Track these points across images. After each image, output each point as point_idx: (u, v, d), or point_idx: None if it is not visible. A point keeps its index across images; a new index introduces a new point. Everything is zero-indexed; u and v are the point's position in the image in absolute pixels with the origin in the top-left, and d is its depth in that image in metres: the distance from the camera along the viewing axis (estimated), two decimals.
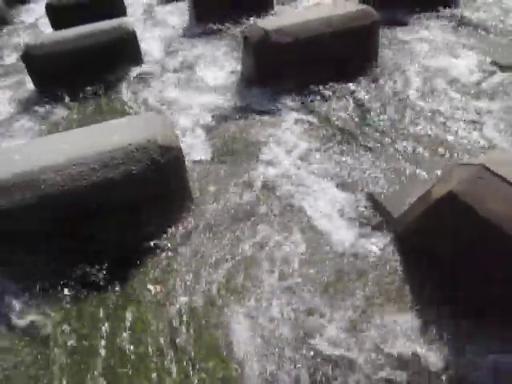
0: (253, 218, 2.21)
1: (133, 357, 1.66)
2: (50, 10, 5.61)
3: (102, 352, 1.69)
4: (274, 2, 5.47)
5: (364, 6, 3.51)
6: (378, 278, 1.83)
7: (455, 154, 2.54)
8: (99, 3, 5.62)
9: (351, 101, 3.18)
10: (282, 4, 5.65)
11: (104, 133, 2.08)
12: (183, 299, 1.84)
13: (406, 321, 1.64)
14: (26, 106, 3.79)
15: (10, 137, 3.31)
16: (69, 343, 1.74)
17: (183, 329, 1.73)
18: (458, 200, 1.65)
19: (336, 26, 3.31)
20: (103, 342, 1.72)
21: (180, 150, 2.08)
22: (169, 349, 1.66)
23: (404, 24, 4.45)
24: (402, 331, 1.61)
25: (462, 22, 4.37)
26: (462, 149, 2.58)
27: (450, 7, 4.70)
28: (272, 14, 5.23)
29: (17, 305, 1.91)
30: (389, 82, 3.37)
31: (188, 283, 1.91)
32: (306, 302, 1.77)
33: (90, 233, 2.02)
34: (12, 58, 5.16)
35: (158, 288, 1.89)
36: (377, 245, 1.97)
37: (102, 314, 1.84)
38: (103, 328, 1.78)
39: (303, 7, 5.50)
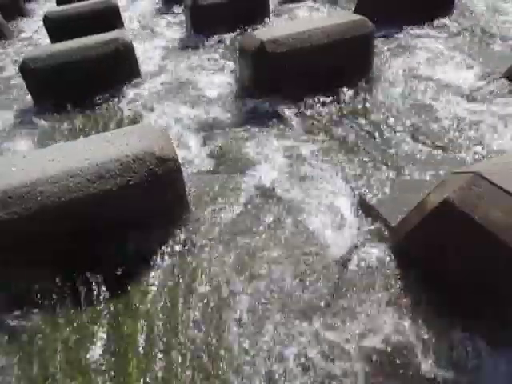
0: (250, 230, 2.21)
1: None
2: (48, 22, 5.66)
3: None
4: (270, 13, 5.53)
5: (359, 17, 3.54)
6: (374, 288, 1.83)
7: (451, 161, 2.55)
8: (97, 15, 5.69)
9: (346, 110, 3.20)
10: (278, 15, 5.72)
11: (101, 144, 2.09)
12: (179, 312, 1.84)
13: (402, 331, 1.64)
14: (23, 118, 3.80)
15: (6, 149, 3.31)
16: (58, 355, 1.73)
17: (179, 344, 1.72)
18: (454, 208, 1.65)
19: (331, 36, 3.34)
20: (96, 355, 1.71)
21: (177, 161, 2.09)
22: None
23: (399, 34, 4.50)
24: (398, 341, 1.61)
25: (457, 32, 4.42)
26: (458, 156, 2.60)
27: (445, 17, 4.76)
28: (268, 25, 5.29)
29: (9, 318, 1.90)
30: (384, 92, 3.39)
31: (182, 299, 1.90)
32: (298, 316, 1.76)
33: (85, 244, 2.01)
34: (10, 70, 5.18)
35: None
36: (373, 254, 1.97)
37: (95, 327, 1.83)
38: (97, 341, 1.77)
39: (299, 18, 5.56)
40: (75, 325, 1.85)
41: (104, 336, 1.78)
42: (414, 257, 1.90)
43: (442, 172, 2.43)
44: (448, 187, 1.76)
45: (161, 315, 1.83)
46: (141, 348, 1.71)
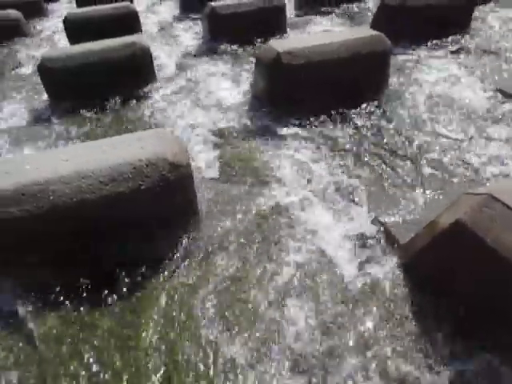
0: (258, 240, 2.21)
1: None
2: (67, 23, 5.76)
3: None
4: (287, 25, 5.58)
5: (376, 33, 3.56)
6: (382, 307, 1.81)
7: (464, 181, 2.54)
8: (116, 19, 5.79)
9: (359, 125, 3.20)
10: (294, 27, 5.76)
11: (115, 147, 2.10)
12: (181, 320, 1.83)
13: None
14: (39, 117, 3.85)
15: (21, 146, 3.35)
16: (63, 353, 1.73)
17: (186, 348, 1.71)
18: (465, 230, 1.64)
19: (348, 50, 3.35)
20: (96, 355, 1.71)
21: (189, 167, 2.10)
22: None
23: (414, 51, 4.52)
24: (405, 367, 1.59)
25: (473, 51, 4.43)
26: (470, 175, 2.58)
27: (461, 35, 4.78)
28: (284, 37, 5.33)
29: (17, 314, 1.91)
30: (398, 108, 3.40)
31: (188, 305, 1.90)
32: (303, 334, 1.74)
33: (95, 245, 2.02)
34: (29, 69, 5.26)
35: None
36: (382, 272, 1.95)
37: (102, 328, 1.83)
38: (102, 340, 1.77)
39: (315, 31, 5.59)
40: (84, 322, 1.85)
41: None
42: (424, 276, 1.88)
43: (454, 192, 2.41)
44: (460, 208, 1.74)
45: (163, 323, 1.82)
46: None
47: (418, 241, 1.96)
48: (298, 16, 6.38)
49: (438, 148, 2.88)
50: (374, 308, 1.80)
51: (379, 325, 1.73)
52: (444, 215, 1.85)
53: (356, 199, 2.46)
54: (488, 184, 2.47)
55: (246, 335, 1.73)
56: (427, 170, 2.67)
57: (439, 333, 1.66)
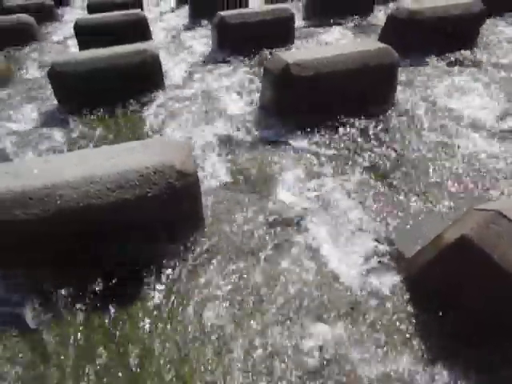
0: (262, 251, 2.20)
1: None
2: (78, 29, 5.83)
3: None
4: (295, 36, 5.62)
5: (384, 45, 3.58)
6: (385, 320, 1.80)
7: (470, 197, 2.53)
8: (126, 26, 5.85)
9: (366, 137, 3.21)
10: (303, 38, 5.80)
11: (123, 154, 2.12)
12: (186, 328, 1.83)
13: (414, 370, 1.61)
14: (48, 121, 3.88)
15: (30, 150, 3.37)
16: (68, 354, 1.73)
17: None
18: (472, 245, 1.64)
19: (356, 62, 3.37)
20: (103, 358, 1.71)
21: (196, 175, 2.11)
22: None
23: (422, 64, 4.53)
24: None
25: (480, 65, 4.44)
26: (477, 192, 2.57)
27: (468, 49, 4.79)
28: (293, 48, 5.37)
29: (21, 315, 1.92)
30: (405, 121, 3.40)
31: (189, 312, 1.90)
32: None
33: (100, 251, 2.03)
34: (39, 73, 5.31)
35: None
36: (386, 285, 1.94)
37: (105, 331, 1.83)
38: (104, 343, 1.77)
39: (324, 43, 5.63)
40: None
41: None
42: (429, 290, 1.87)
43: (460, 208, 2.41)
44: (467, 224, 1.74)
45: (162, 330, 1.82)
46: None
47: (424, 255, 1.95)
48: (306, 27, 6.42)
49: (443, 162, 2.87)
50: (378, 322, 1.79)
51: (383, 340, 1.72)
52: (450, 230, 1.84)
53: (361, 211, 2.45)
54: (495, 200, 2.46)
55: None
56: (433, 184, 2.67)
57: (445, 348, 1.65)
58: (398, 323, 1.78)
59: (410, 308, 1.84)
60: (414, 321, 1.78)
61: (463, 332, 1.67)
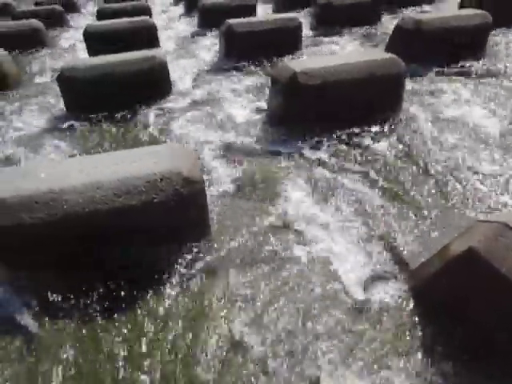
0: (267, 261, 2.19)
1: None
2: (87, 35, 5.90)
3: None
4: (302, 44, 5.64)
5: (391, 55, 3.58)
6: (389, 331, 1.78)
7: (476, 208, 2.51)
8: (134, 33, 5.92)
9: (372, 146, 3.20)
10: (310, 47, 5.82)
11: (129, 160, 2.12)
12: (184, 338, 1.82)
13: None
14: (56, 126, 3.91)
15: (37, 154, 3.40)
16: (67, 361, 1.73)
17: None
18: (478, 257, 1.62)
19: (363, 72, 3.37)
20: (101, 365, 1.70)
21: (203, 183, 2.11)
22: None
23: (428, 74, 4.54)
24: None
25: (486, 77, 4.42)
26: (484, 203, 2.56)
27: (475, 60, 4.79)
28: (300, 57, 5.39)
29: (23, 319, 1.92)
30: (411, 132, 3.39)
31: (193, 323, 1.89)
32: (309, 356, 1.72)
33: (105, 256, 2.03)
34: (47, 78, 5.36)
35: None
36: (391, 296, 1.93)
37: (107, 334, 1.83)
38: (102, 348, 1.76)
39: (331, 52, 5.65)
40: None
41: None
42: (435, 302, 1.85)
43: (464, 218, 2.39)
44: (473, 236, 1.72)
45: (166, 337, 1.82)
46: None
47: (430, 266, 1.93)
48: (314, 36, 6.45)
49: (449, 173, 2.85)
50: (383, 334, 1.77)
51: (387, 352, 1.70)
52: (456, 242, 1.83)
53: (367, 221, 2.44)
54: (501, 212, 2.44)
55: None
56: (438, 195, 2.65)
57: (452, 361, 1.63)
58: (402, 335, 1.76)
59: (415, 319, 1.82)
60: (419, 333, 1.76)
61: (470, 345, 1.65)
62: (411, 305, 1.89)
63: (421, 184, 2.76)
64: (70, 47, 6.94)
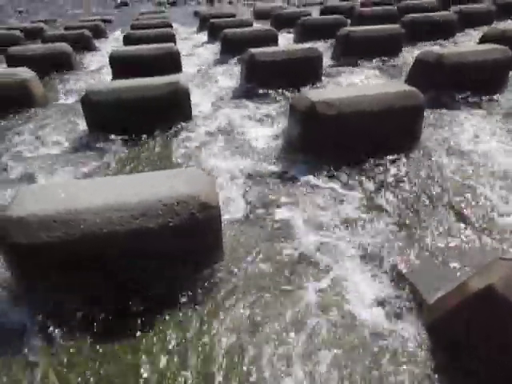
0: (280, 288, 2.18)
1: None
2: (113, 59, 6.08)
3: None
4: (322, 75, 5.71)
5: (410, 88, 3.60)
6: (405, 369, 1.73)
7: (496, 244, 2.45)
8: (158, 59, 6.09)
9: (388, 178, 3.18)
10: (329, 77, 5.89)
11: (148, 183, 2.15)
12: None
13: None
14: (78, 147, 3.99)
15: (57, 174, 3.46)
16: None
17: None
18: (499, 297, 1.57)
19: (382, 104, 3.39)
20: None
21: (219, 208, 2.11)
22: None
23: (448, 107, 4.53)
24: None
25: (507, 111, 4.40)
26: (502, 239, 2.50)
27: (496, 93, 4.78)
28: (319, 87, 5.45)
29: (35, 337, 1.93)
30: (429, 163, 3.37)
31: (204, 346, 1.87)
32: None
33: (120, 277, 2.04)
34: (72, 100, 5.52)
35: None
36: (405, 331, 1.88)
37: (117, 357, 1.82)
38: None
39: (350, 83, 5.70)
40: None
41: None
42: (451, 339, 1.80)
43: (483, 255, 2.34)
44: (493, 273, 1.68)
45: (174, 362, 1.79)
46: None
47: (447, 302, 1.89)
48: (334, 66, 6.54)
49: (467, 208, 2.81)
50: (396, 370, 1.72)
51: None
52: (475, 278, 1.78)
53: (384, 253, 2.40)
54: None
55: None
56: (455, 231, 2.60)
57: None
58: (418, 372, 1.71)
59: (430, 356, 1.77)
60: (433, 368, 1.71)
61: None
62: (426, 341, 1.83)
63: (437, 218, 2.72)
64: (96, 70, 7.15)
